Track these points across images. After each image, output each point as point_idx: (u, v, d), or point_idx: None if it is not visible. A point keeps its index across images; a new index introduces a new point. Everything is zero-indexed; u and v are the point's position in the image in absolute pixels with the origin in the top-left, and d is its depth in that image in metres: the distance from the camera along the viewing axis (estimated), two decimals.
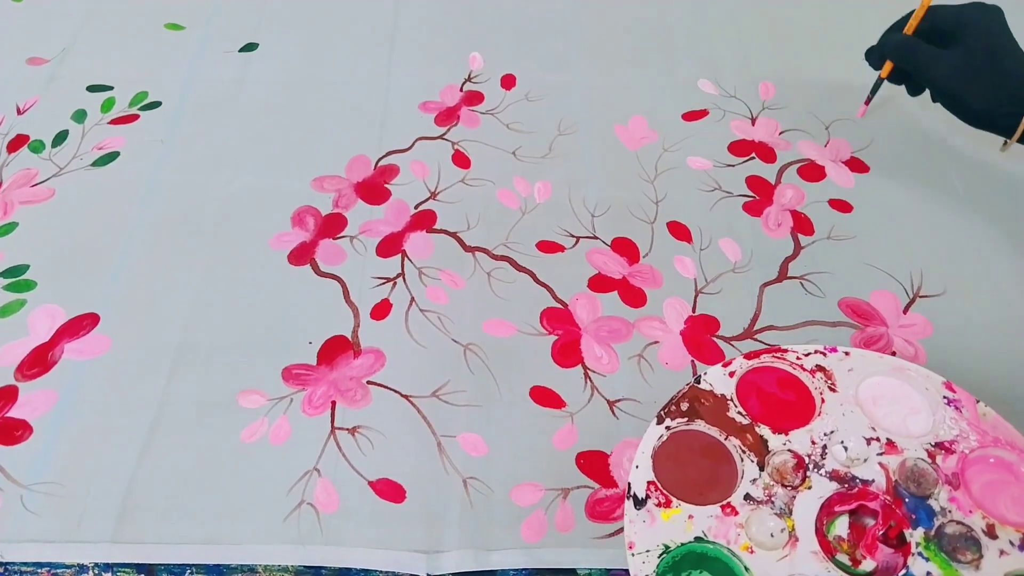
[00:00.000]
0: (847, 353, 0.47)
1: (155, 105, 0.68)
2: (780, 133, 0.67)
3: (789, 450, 0.43)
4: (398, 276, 0.57)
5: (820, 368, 0.46)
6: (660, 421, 0.45)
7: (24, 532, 0.45)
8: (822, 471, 0.42)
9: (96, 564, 0.44)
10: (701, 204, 0.62)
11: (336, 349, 0.53)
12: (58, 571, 0.44)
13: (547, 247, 0.59)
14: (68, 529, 0.45)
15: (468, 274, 0.57)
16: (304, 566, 0.45)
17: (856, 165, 0.64)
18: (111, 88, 0.70)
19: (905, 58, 0.54)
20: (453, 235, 0.60)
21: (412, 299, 0.56)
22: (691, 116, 0.68)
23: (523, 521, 0.46)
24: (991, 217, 0.61)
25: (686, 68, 0.73)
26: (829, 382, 0.46)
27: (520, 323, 0.55)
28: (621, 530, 0.45)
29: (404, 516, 0.46)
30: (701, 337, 0.54)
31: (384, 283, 0.57)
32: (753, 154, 0.65)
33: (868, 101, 0.60)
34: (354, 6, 0.78)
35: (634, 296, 0.56)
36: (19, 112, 0.68)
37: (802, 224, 0.60)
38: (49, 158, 0.64)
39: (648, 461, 0.43)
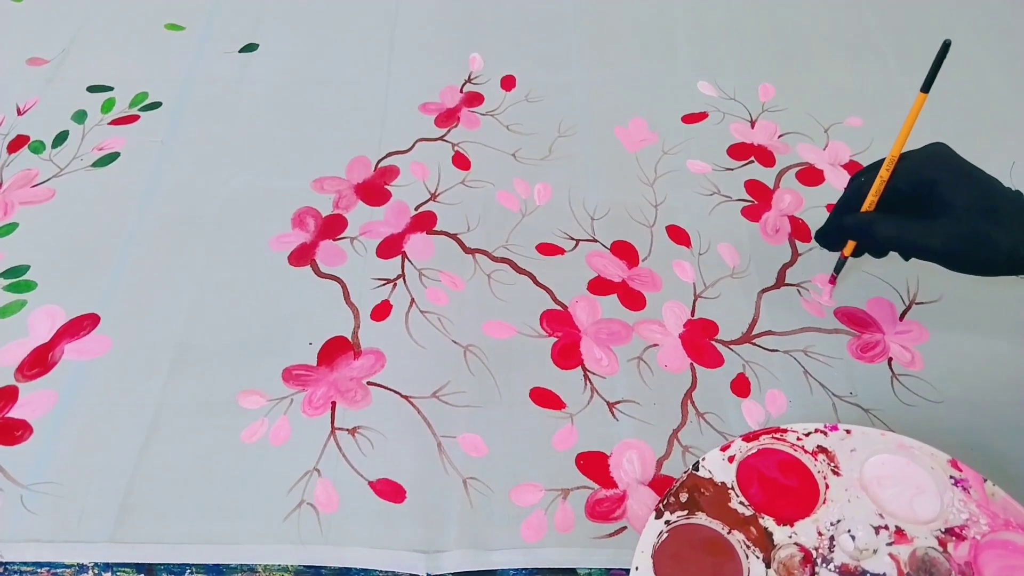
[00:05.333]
0: (848, 432, 0.46)
1: (155, 105, 0.68)
2: (779, 136, 0.67)
3: (795, 543, 0.42)
4: (398, 277, 0.57)
5: (822, 449, 0.45)
6: (659, 515, 0.43)
7: (24, 532, 0.45)
8: (831, 566, 0.41)
9: (96, 564, 0.44)
10: (700, 208, 0.62)
11: (336, 350, 0.53)
12: (58, 571, 0.44)
13: (547, 249, 0.59)
14: (68, 529, 0.45)
15: (468, 276, 0.57)
16: (304, 566, 0.45)
17: (855, 169, 0.65)
18: (111, 88, 0.70)
19: (889, 240, 0.46)
20: (453, 237, 0.60)
21: (412, 300, 0.56)
22: (691, 118, 0.69)
23: (523, 521, 0.46)
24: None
25: (686, 70, 0.73)
26: (832, 465, 0.44)
27: (520, 325, 0.55)
28: (621, 530, 0.46)
29: (404, 516, 0.46)
30: (700, 341, 0.54)
31: (384, 284, 0.57)
32: (752, 158, 0.66)
33: (834, 279, 0.55)
34: (354, 6, 0.78)
35: (633, 299, 0.56)
36: (19, 112, 0.68)
37: (800, 230, 0.61)
38: (49, 159, 0.64)
39: (648, 561, 0.41)
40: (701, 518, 0.43)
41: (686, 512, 0.43)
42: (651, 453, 0.49)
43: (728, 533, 0.42)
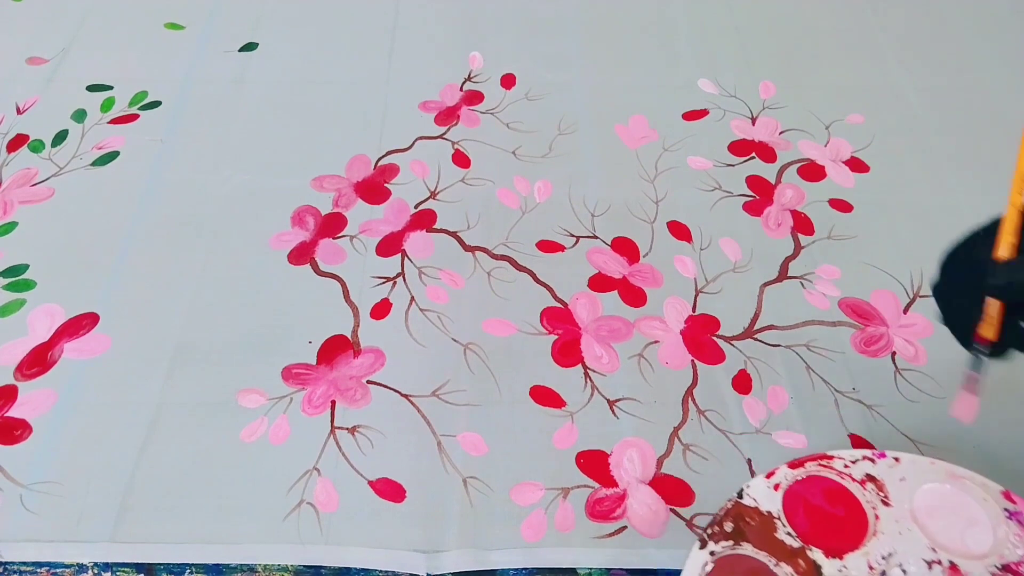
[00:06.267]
0: (896, 459, 0.43)
1: (155, 105, 0.68)
2: (780, 133, 0.67)
3: None
4: (398, 275, 0.57)
5: (870, 478, 0.43)
6: (703, 545, 0.41)
7: (23, 531, 0.45)
8: None
9: (95, 563, 0.44)
10: (701, 204, 0.62)
11: (336, 348, 0.53)
12: (57, 570, 0.44)
13: (547, 246, 0.59)
14: (67, 528, 0.45)
15: (468, 273, 0.57)
16: (304, 566, 0.44)
17: (856, 165, 0.64)
18: (111, 88, 0.70)
19: None
20: (453, 234, 0.60)
21: (412, 298, 0.56)
22: (691, 116, 0.68)
23: (523, 520, 0.46)
24: (990, 217, 0.61)
25: (686, 68, 0.73)
26: (882, 495, 0.42)
27: (520, 322, 0.54)
28: (621, 530, 0.45)
29: (404, 516, 0.46)
30: (701, 336, 0.54)
31: (384, 282, 0.57)
32: (753, 154, 0.65)
33: (974, 383, 0.39)
34: (354, 6, 0.78)
35: (634, 296, 0.56)
36: (19, 112, 0.68)
37: (802, 224, 0.60)
38: (49, 158, 0.64)
39: None
40: (747, 549, 0.40)
41: (731, 542, 0.41)
42: (651, 451, 0.49)
43: (775, 565, 0.40)
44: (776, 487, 0.43)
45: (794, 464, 0.44)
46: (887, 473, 0.43)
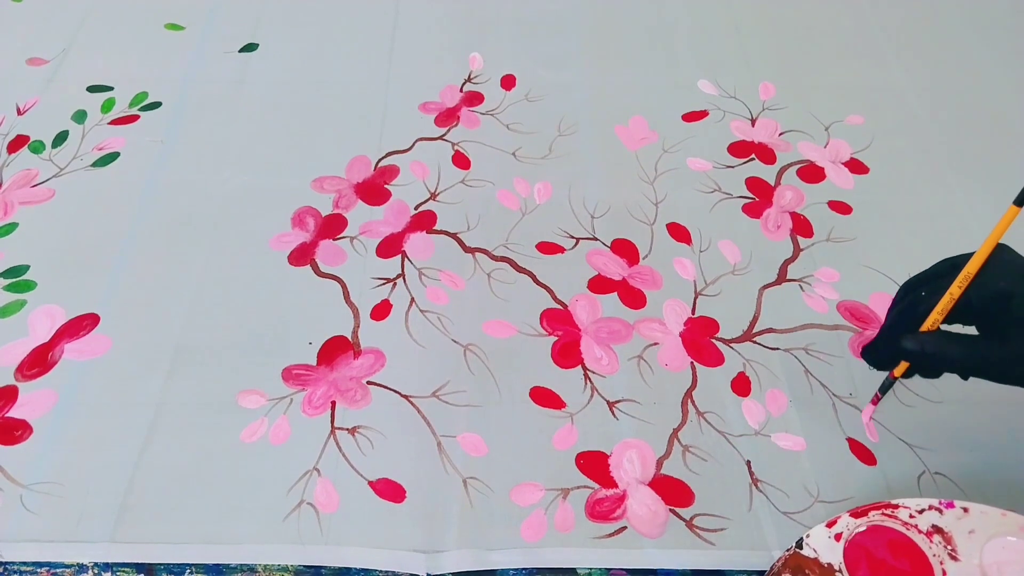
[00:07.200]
0: (965, 510, 0.41)
1: (155, 105, 0.68)
2: (780, 134, 0.67)
3: None
4: (398, 277, 0.57)
5: (937, 530, 0.41)
6: None
7: (24, 532, 0.45)
8: None
9: (95, 564, 0.44)
10: (701, 205, 0.62)
11: (336, 349, 0.53)
12: (57, 571, 0.44)
13: (547, 248, 0.59)
14: (67, 529, 0.45)
15: (468, 275, 0.57)
16: (304, 566, 0.45)
17: (856, 166, 0.65)
18: (111, 88, 0.70)
19: (964, 366, 0.39)
20: (453, 236, 0.60)
21: (412, 300, 0.56)
22: (691, 117, 0.69)
23: (523, 521, 0.46)
24: (990, 218, 0.61)
25: (686, 68, 0.73)
26: (949, 548, 0.40)
27: (520, 324, 0.55)
28: (621, 530, 0.45)
29: (404, 516, 0.46)
30: (700, 339, 0.54)
31: (384, 284, 0.57)
32: (753, 155, 0.66)
33: (878, 400, 0.48)
34: (354, 6, 0.78)
35: (634, 297, 0.56)
36: (19, 112, 0.68)
37: (801, 226, 0.60)
38: (49, 158, 0.64)
39: None
40: None
41: None
42: (651, 453, 0.49)
43: None
44: (838, 537, 0.41)
45: (857, 512, 0.42)
46: (955, 525, 0.41)
